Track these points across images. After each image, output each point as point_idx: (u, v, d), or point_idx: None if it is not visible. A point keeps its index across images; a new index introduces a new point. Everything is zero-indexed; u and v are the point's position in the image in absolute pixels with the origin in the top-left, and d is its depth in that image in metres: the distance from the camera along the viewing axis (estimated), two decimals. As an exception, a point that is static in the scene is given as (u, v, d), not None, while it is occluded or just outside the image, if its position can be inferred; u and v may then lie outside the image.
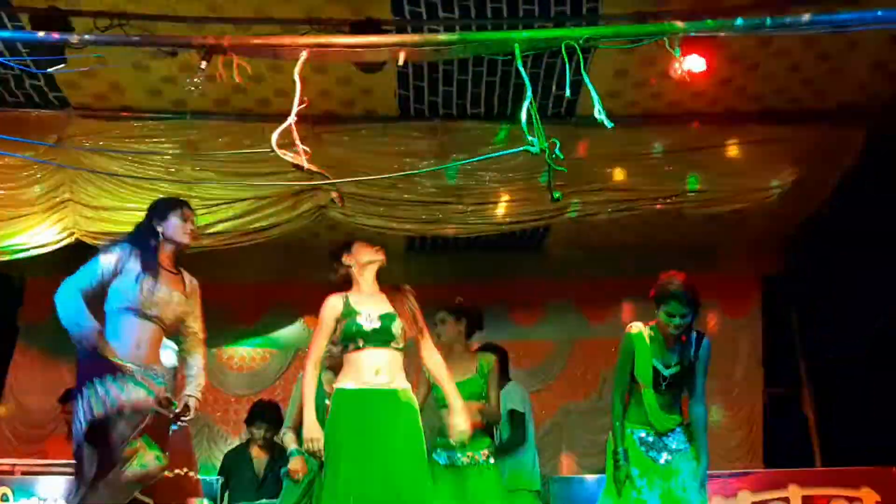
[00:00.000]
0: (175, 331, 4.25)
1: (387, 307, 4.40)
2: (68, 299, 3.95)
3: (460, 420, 4.35)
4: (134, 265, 4.09)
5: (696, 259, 7.45)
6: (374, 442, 4.14)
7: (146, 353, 4.05)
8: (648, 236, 7.65)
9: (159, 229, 4.22)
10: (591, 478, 6.45)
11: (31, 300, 8.24)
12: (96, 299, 4.04)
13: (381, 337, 4.31)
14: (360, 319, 4.32)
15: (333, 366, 4.91)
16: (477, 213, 6.71)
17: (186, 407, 4.17)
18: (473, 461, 5.05)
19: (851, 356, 7.42)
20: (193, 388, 4.23)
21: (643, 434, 4.67)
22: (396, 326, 4.34)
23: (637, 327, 4.75)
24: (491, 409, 5.17)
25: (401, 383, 4.33)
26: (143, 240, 4.20)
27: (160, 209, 4.31)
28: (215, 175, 6.43)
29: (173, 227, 4.24)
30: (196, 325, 4.33)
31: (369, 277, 4.49)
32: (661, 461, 4.61)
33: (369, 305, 4.39)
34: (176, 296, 4.17)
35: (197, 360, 4.31)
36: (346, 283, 4.51)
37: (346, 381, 4.30)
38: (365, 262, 4.48)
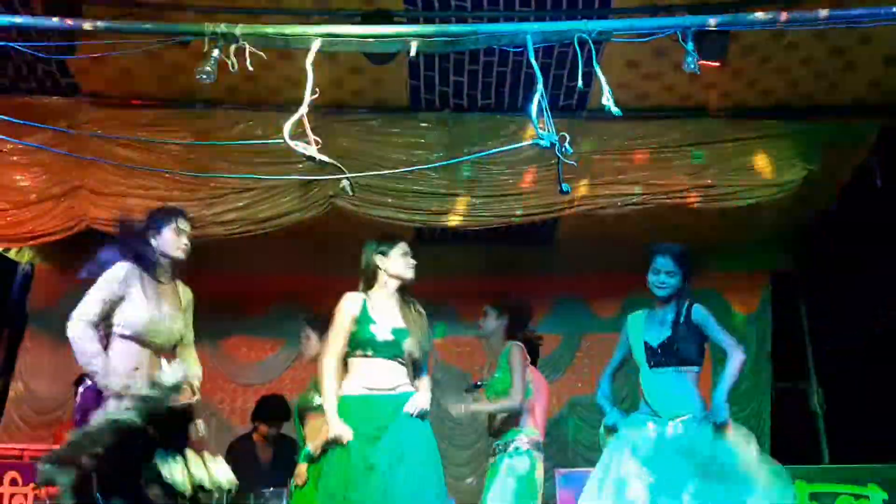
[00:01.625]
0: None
1: (401, 322, 4.39)
2: (82, 339, 3.93)
3: (417, 397, 4.31)
4: (137, 289, 4.05)
5: (705, 254, 7.44)
6: (380, 446, 4.14)
7: (144, 374, 4.00)
8: (658, 231, 7.61)
9: (154, 243, 4.16)
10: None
11: (41, 286, 8.28)
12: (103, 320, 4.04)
13: (390, 350, 4.31)
14: (373, 329, 4.31)
15: None
16: (486, 206, 6.70)
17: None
18: (504, 451, 5.21)
19: (861, 352, 7.42)
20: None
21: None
22: (407, 344, 4.34)
23: (637, 312, 4.74)
24: (511, 399, 5.21)
25: (406, 388, 4.34)
26: (141, 256, 4.13)
27: (154, 221, 4.22)
28: (225, 164, 6.44)
29: (166, 241, 4.17)
30: (189, 335, 4.29)
31: (391, 287, 4.47)
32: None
33: (385, 315, 4.38)
34: (178, 319, 4.16)
35: (187, 360, 4.25)
36: (368, 279, 4.50)
37: (350, 388, 4.30)
38: (393, 274, 4.46)
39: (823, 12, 4.14)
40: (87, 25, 4.32)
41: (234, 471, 6.30)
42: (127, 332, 4.02)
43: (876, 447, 6.47)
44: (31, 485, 5.98)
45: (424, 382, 4.44)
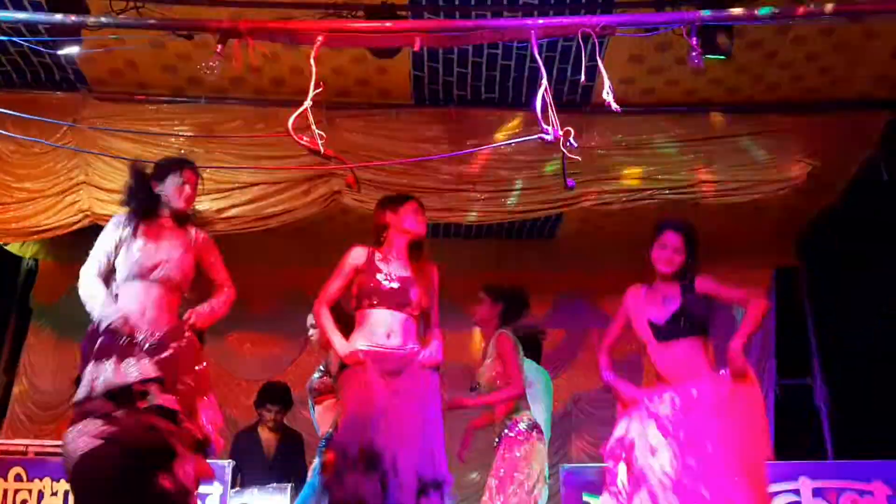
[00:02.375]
0: (191, 287, 4.22)
1: (408, 272, 4.36)
2: (90, 287, 4.03)
3: (431, 349, 4.28)
4: (132, 232, 4.11)
5: (709, 249, 7.41)
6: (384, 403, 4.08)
7: (154, 317, 4.02)
8: (662, 226, 7.61)
9: (157, 191, 4.21)
10: (601, 466, 6.41)
11: (44, 281, 8.28)
12: (110, 276, 4.10)
13: (397, 299, 4.27)
14: (379, 276, 4.29)
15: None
16: (490, 201, 6.69)
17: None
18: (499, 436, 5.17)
19: (865, 348, 7.39)
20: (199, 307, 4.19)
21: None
22: (414, 292, 4.30)
23: (635, 286, 4.63)
24: (514, 388, 5.15)
25: (413, 348, 4.29)
26: (139, 201, 4.19)
27: (160, 169, 4.28)
28: (229, 158, 6.43)
29: (169, 189, 4.21)
30: (219, 276, 4.30)
31: (400, 244, 4.43)
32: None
33: (392, 266, 4.35)
34: (177, 253, 4.15)
35: (217, 297, 4.27)
36: (378, 237, 4.47)
37: (357, 341, 4.24)
38: (403, 229, 4.43)
39: (829, 6, 4.13)
40: (91, 20, 4.33)
41: (239, 464, 6.37)
42: (125, 274, 4.06)
43: (880, 443, 6.45)
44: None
45: (435, 335, 4.39)
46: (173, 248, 4.16)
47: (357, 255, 4.38)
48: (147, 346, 3.93)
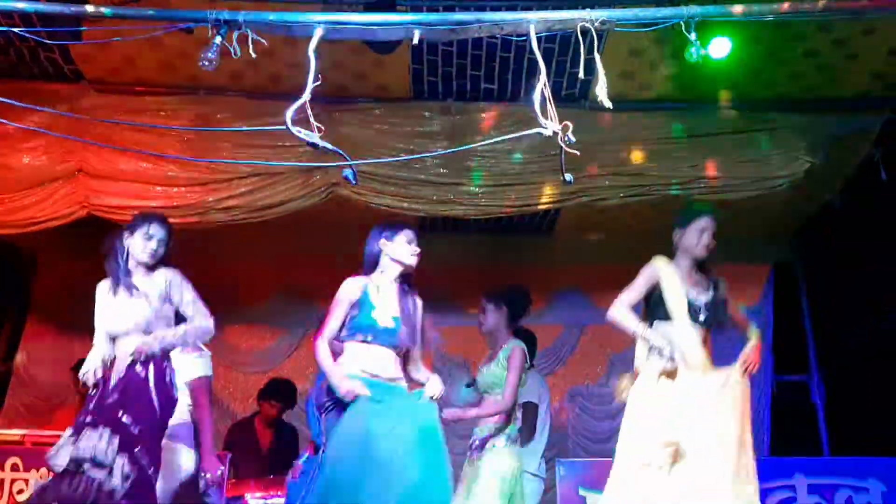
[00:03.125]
0: (153, 326, 4.28)
1: (398, 310, 4.39)
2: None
3: (434, 382, 4.32)
4: (105, 297, 4.37)
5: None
6: (387, 433, 4.05)
7: (121, 367, 4.21)
8: (660, 222, 7.54)
9: (126, 244, 4.37)
10: (597, 461, 6.44)
11: (44, 274, 8.29)
12: None
13: (388, 339, 4.30)
14: (375, 315, 4.30)
15: None
16: (488, 195, 6.69)
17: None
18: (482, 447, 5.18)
19: (861, 345, 7.41)
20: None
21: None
22: (403, 333, 4.34)
23: (662, 258, 4.67)
24: (504, 403, 5.19)
25: (402, 383, 4.34)
26: (113, 256, 4.37)
27: (132, 223, 4.43)
28: (227, 150, 6.42)
29: (134, 244, 4.35)
30: (187, 311, 4.36)
31: (392, 273, 4.47)
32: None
33: (386, 302, 4.37)
34: (139, 306, 4.26)
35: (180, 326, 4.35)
36: (371, 263, 4.50)
37: (352, 368, 4.23)
38: (396, 259, 4.46)
39: (822, 2, 4.13)
40: (90, 10, 4.32)
41: (234, 456, 6.38)
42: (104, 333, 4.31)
43: (876, 440, 6.47)
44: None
45: (428, 372, 4.45)
46: (132, 301, 4.28)
47: (353, 289, 4.38)
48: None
